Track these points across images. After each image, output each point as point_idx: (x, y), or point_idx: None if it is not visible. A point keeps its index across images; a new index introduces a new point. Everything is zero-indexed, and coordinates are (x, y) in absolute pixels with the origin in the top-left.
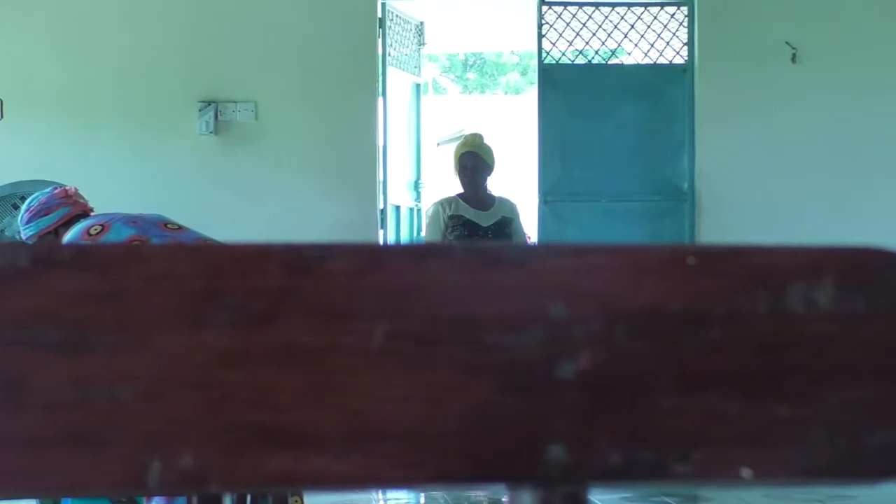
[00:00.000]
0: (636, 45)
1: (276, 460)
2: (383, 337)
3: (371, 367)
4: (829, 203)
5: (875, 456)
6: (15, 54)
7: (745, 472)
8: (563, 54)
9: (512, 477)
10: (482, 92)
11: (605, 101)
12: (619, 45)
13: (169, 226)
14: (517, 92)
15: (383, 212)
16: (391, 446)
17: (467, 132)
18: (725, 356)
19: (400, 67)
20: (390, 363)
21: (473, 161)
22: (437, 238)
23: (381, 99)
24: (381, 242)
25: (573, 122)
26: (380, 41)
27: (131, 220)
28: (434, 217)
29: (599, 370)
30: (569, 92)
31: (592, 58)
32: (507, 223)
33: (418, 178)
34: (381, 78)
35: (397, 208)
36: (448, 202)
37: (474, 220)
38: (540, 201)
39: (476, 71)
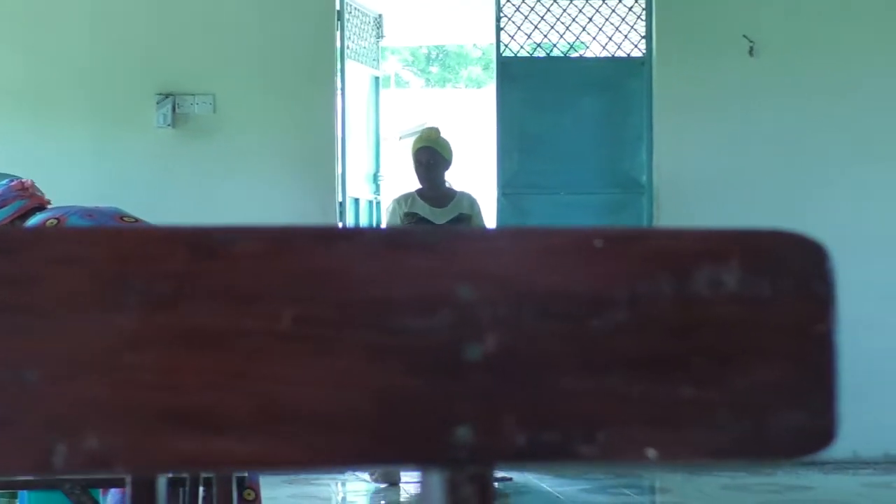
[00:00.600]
0: (594, 38)
1: (182, 442)
2: (291, 320)
3: (279, 351)
4: (786, 195)
5: (781, 437)
6: None
7: (651, 453)
8: (522, 47)
9: (420, 459)
10: (444, 85)
11: (564, 94)
12: (578, 38)
13: (125, 219)
14: (479, 85)
15: (342, 204)
16: (298, 429)
17: (427, 126)
18: (631, 338)
19: (358, 60)
20: (298, 346)
21: (429, 156)
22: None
23: (339, 92)
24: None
25: (532, 114)
26: (338, 34)
27: (87, 213)
28: (392, 214)
29: (506, 352)
30: (527, 85)
31: (551, 51)
32: (463, 219)
33: (377, 170)
34: (339, 71)
35: (356, 201)
36: (405, 199)
37: (429, 218)
38: (499, 193)
39: (439, 65)
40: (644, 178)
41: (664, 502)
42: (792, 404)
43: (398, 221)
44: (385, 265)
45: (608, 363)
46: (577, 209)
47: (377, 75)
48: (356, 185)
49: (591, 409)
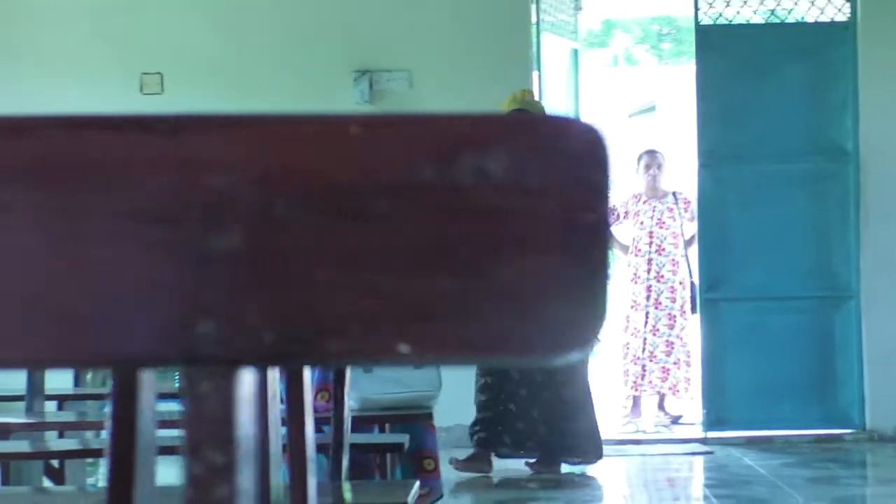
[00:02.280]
0: (796, 3)
1: None
2: (30, 209)
3: (14, 241)
4: None
5: (549, 331)
6: (172, 29)
7: (403, 348)
8: (721, 15)
9: (162, 354)
10: (678, 61)
11: (766, 62)
12: (779, 3)
13: None
14: None
15: None
16: (38, 322)
17: (654, 103)
18: (388, 229)
19: (556, 33)
20: (35, 237)
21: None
22: None
23: (535, 64)
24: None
25: (733, 83)
26: (533, 6)
27: None
28: None
29: (255, 244)
30: (728, 53)
31: (750, 18)
32: None
33: None
34: (535, 44)
35: None
36: None
37: None
38: (699, 164)
39: (671, 40)
40: (850, 145)
41: (869, 476)
42: (560, 296)
43: None
44: (130, 153)
45: (362, 255)
46: (779, 179)
47: (576, 48)
48: None
49: (343, 303)
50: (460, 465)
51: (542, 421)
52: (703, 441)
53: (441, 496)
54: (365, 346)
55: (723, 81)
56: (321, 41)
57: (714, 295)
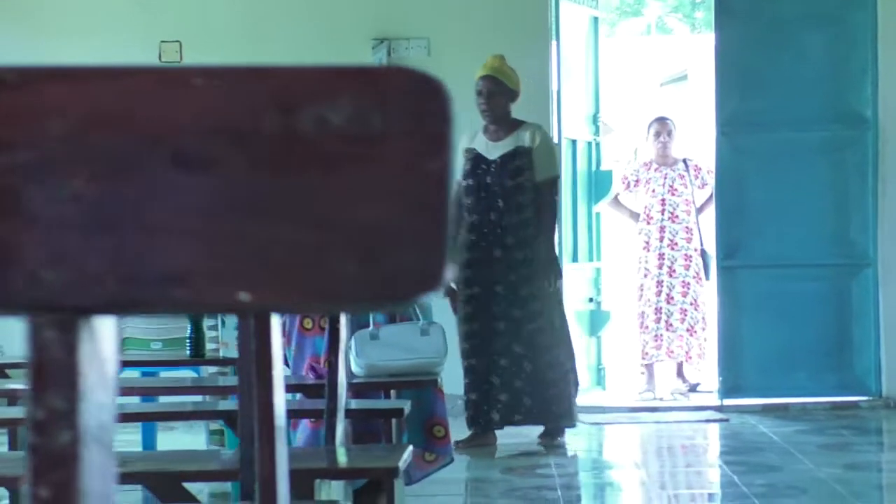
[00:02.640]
0: None
1: None
2: None
3: None
4: None
5: (391, 278)
6: None
7: (243, 296)
8: None
9: (5, 303)
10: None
11: (785, 29)
12: None
13: None
14: None
15: (558, 145)
16: None
17: (687, 72)
18: (231, 178)
19: (575, 1)
20: None
21: (489, 85)
22: (463, 169)
23: (554, 32)
24: None
25: (752, 51)
26: None
27: None
28: (459, 150)
29: (98, 193)
30: (747, 20)
31: None
32: (519, 154)
33: (597, 111)
34: (554, 11)
35: (573, 142)
36: (472, 133)
37: (483, 153)
38: (717, 132)
39: (704, 9)
40: (869, 113)
41: (883, 443)
42: (401, 244)
43: (461, 157)
44: None
45: (204, 204)
46: (798, 146)
47: (595, 15)
48: (574, 127)
49: (185, 252)
50: (462, 446)
51: (526, 392)
52: (719, 409)
53: (451, 461)
54: (207, 295)
55: (742, 49)
56: (340, 9)
57: (731, 262)
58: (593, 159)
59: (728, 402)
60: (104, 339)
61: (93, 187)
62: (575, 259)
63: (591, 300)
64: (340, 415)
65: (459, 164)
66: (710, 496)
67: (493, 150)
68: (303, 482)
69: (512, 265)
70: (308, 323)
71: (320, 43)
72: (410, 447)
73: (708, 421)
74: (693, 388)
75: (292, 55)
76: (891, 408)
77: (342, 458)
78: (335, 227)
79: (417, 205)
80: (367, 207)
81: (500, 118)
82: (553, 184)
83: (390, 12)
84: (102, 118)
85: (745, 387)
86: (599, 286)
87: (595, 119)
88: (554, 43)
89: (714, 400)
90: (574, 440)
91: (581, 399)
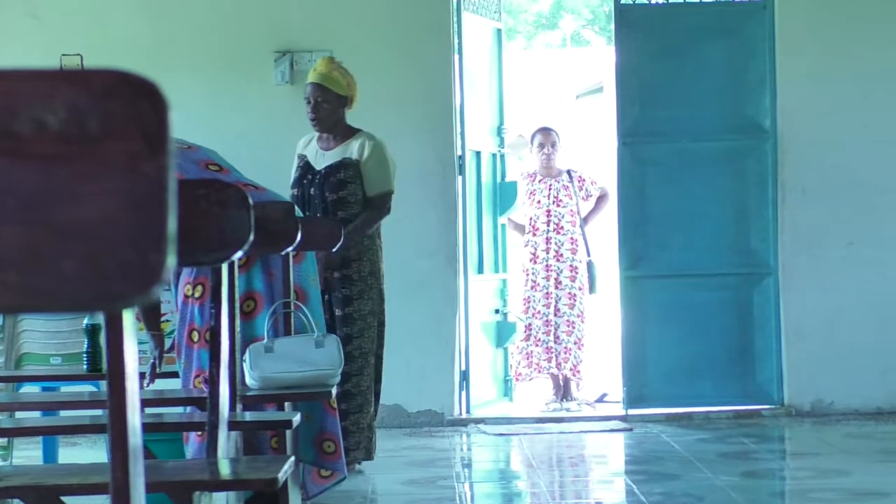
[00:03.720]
0: None
1: None
2: None
3: None
4: None
5: (112, 277)
6: (91, 9)
7: None
8: None
9: None
10: None
11: (684, 41)
12: None
13: (210, 166)
14: None
15: (461, 157)
16: None
17: (602, 84)
18: None
19: (477, 13)
20: None
21: (315, 94)
22: (293, 177)
23: (456, 44)
24: (459, 188)
25: (652, 63)
26: None
27: (182, 147)
28: (296, 154)
29: None
30: (647, 32)
31: None
32: (345, 166)
33: (501, 123)
34: (456, 23)
35: (478, 154)
36: (308, 139)
37: (312, 162)
38: (619, 143)
39: None
40: (768, 123)
41: (782, 450)
42: (120, 243)
43: (295, 162)
44: None
45: None
46: (699, 156)
47: (499, 27)
48: (478, 139)
49: None
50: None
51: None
52: (624, 418)
53: (344, 478)
54: None
55: (642, 60)
56: (242, 21)
57: (634, 273)
58: (497, 171)
59: (633, 411)
60: None
61: None
62: (480, 270)
63: (497, 311)
64: (223, 426)
65: (294, 166)
66: None
67: (321, 160)
68: (182, 494)
69: (329, 284)
70: (194, 336)
71: (223, 54)
72: (292, 458)
73: (612, 431)
74: (600, 399)
75: (195, 68)
76: (792, 416)
77: (224, 469)
78: (54, 226)
79: (135, 204)
80: (86, 207)
81: (330, 127)
82: (383, 199)
83: (293, 24)
84: None
85: (649, 396)
86: (505, 297)
87: (500, 131)
88: (456, 55)
89: (619, 410)
90: (479, 451)
91: (488, 410)
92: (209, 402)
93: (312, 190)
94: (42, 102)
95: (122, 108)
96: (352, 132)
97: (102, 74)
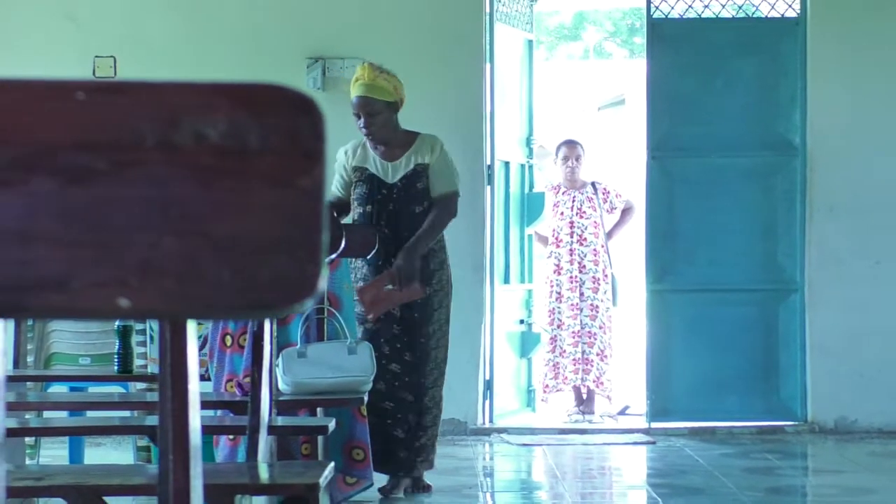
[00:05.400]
0: None
1: None
2: None
3: None
4: None
5: (265, 287)
6: (126, 12)
7: (123, 302)
8: (672, 9)
9: None
10: None
11: (716, 56)
12: None
13: None
14: None
15: (490, 167)
16: None
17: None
18: (111, 188)
19: (510, 24)
20: None
21: (365, 107)
22: (339, 189)
23: (488, 54)
24: (487, 198)
25: (683, 77)
26: None
27: None
28: (338, 165)
29: None
30: (679, 47)
31: (702, 12)
32: (419, 173)
33: (530, 134)
34: (488, 33)
35: (507, 164)
36: (354, 148)
37: (380, 175)
38: (648, 157)
39: (642, 35)
40: (797, 139)
41: (805, 467)
42: (275, 255)
43: (345, 175)
44: None
45: (84, 213)
46: (727, 172)
47: (530, 39)
48: (507, 149)
49: (63, 259)
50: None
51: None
52: (647, 431)
53: (371, 485)
54: (86, 300)
55: (673, 75)
56: (275, 28)
57: (660, 286)
58: (526, 182)
59: (656, 425)
60: None
61: None
62: (506, 281)
63: (521, 322)
64: (263, 431)
65: (344, 179)
66: None
67: (391, 172)
68: (223, 497)
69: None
70: (228, 340)
71: (256, 60)
72: (332, 464)
73: (635, 443)
74: (622, 412)
75: (227, 72)
76: (816, 433)
77: (264, 473)
78: (211, 237)
79: (291, 217)
80: (243, 219)
81: (388, 138)
82: (451, 199)
83: (325, 32)
84: None
85: (672, 410)
86: (531, 308)
87: (528, 142)
88: (488, 65)
89: (642, 423)
90: (502, 460)
91: (511, 420)
92: (250, 407)
93: (391, 205)
94: (203, 115)
95: (280, 122)
96: (412, 136)
97: (262, 89)
